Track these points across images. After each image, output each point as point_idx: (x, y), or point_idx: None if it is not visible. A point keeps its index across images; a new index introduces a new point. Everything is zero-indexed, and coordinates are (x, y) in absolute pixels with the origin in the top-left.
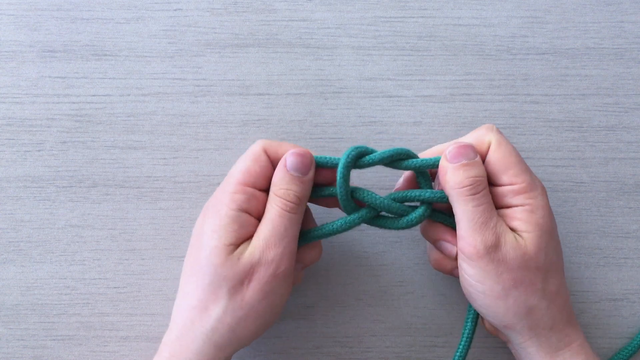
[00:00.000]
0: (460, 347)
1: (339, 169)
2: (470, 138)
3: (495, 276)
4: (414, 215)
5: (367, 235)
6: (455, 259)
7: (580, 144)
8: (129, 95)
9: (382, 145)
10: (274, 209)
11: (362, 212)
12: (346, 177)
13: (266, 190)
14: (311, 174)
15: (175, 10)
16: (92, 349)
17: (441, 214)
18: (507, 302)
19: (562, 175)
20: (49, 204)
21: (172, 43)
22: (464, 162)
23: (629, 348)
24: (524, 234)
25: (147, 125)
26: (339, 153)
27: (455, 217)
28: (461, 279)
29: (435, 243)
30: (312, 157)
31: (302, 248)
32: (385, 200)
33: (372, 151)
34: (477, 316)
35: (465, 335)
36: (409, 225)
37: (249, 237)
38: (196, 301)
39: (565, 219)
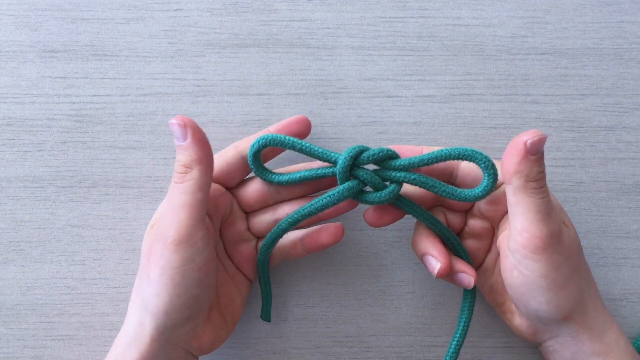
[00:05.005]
0: (453, 344)
1: (345, 154)
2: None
3: (558, 266)
4: (384, 191)
5: (367, 235)
6: (437, 276)
7: (580, 144)
8: (129, 95)
9: (381, 146)
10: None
11: (353, 183)
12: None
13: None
14: (190, 138)
15: (175, 10)
16: (92, 349)
17: (431, 218)
18: (569, 290)
19: (562, 175)
20: (49, 204)
21: (172, 43)
22: (537, 155)
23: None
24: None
25: (147, 126)
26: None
27: (515, 209)
28: (514, 282)
29: (421, 258)
30: (188, 122)
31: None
32: (369, 173)
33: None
34: (469, 317)
35: (459, 332)
36: (380, 201)
37: None
38: (138, 279)
39: None
